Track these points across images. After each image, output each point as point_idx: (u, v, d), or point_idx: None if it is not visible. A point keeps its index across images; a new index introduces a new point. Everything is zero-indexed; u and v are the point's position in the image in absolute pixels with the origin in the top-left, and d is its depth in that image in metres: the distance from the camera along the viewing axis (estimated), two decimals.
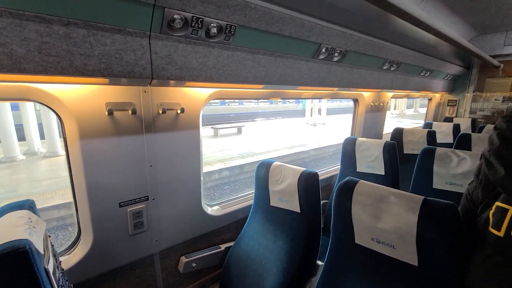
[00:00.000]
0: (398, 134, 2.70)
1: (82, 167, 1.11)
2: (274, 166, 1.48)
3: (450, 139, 3.17)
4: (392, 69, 2.42)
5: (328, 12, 1.37)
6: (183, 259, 1.52)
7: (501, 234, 0.65)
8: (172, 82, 1.15)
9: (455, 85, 4.19)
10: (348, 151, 2.18)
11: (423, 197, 0.86)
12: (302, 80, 1.67)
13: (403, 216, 0.86)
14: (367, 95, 2.76)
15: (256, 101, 23.50)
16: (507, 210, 0.65)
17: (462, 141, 2.39)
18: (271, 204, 1.48)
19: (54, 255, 0.83)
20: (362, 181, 1.02)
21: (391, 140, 2.63)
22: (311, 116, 17.27)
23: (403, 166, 2.30)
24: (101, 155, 1.15)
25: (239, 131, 13.81)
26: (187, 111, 1.37)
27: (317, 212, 1.32)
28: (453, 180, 1.62)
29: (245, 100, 22.41)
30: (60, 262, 0.87)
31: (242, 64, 1.29)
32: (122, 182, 1.23)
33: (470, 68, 3.97)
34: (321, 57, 1.65)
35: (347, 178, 1.06)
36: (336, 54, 1.72)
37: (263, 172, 1.51)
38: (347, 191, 1.02)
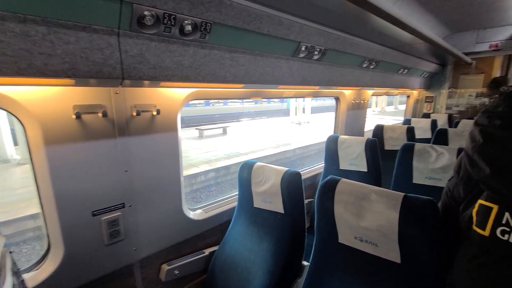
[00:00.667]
0: (379, 130, 2.76)
1: (48, 175, 1.03)
2: (256, 167, 1.45)
3: (428, 135, 3.27)
4: (372, 67, 2.46)
5: (306, 10, 1.36)
6: (165, 267, 1.46)
7: (486, 233, 0.64)
8: (146, 82, 1.10)
9: (432, 82, 4.34)
10: (331, 149, 2.19)
11: (404, 193, 0.86)
12: (283, 79, 1.66)
13: (385, 214, 0.86)
14: (348, 93, 2.79)
15: (240, 101, 23.44)
16: (491, 208, 0.63)
17: (439, 136, 2.47)
18: (254, 206, 1.45)
19: (16, 273, 0.76)
20: (343, 179, 1.01)
21: (372, 137, 2.68)
22: (295, 115, 17.43)
23: (385, 162, 2.34)
24: (70, 162, 1.08)
25: (225, 131, 13.71)
26: (164, 113, 1.31)
27: (301, 212, 1.31)
28: (432, 175, 1.65)
29: (230, 100, 22.29)
30: (23, 280, 0.80)
31: (220, 63, 1.25)
32: (95, 190, 1.16)
33: (445, 66, 4.12)
34: (301, 55, 1.64)
35: (328, 177, 1.05)
36: (316, 53, 1.72)
37: (245, 173, 1.48)
38: (329, 190, 1.01)
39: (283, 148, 10.24)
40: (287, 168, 1.35)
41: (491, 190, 0.63)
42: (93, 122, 1.11)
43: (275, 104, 26.69)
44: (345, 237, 0.99)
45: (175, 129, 1.37)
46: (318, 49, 1.71)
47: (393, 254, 0.87)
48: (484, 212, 0.65)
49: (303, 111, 17.54)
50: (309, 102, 18.12)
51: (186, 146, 11.10)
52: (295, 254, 1.31)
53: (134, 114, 1.20)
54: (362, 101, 3.03)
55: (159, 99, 1.28)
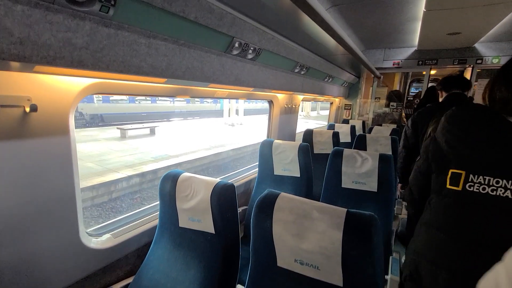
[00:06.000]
0: (308, 135, 2.85)
1: None
2: (182, 179, 1.21)
3: (349, 139, 3.60)
4: (302, 72, 2.51)
5: (240, 1, 1.21)
6: None
7: (459, 188, 0.89)
8: (12, 64, 0.74)
9: (350, 91, 4.86)
10: (265, 154, 2.11)
11: (346, 209, 0.79)
12: (214, 76, 1.46)
13: (328, 234, 0.77)
14: (281, 97, 2.80)
15: (171, 99, 22.02)
16: (461, 174, 0.89)
17: (359, 141, 2.70)
18: (180, 225, 1.21)
19: None
20: (282, 194, 0.89)
21: (303, 141, 2.75)
22: (229, 116, 17.40)
23: (315, 166, 2.41)
24: None
25: (153, 132, 12.58)
26: (46, 110, 0.94)
27: (234, 231, 1.14)
28: (358, 179, 1.73)
29: (159, 98, 20.69)
30: None
31: (132, 49, 0.97)
32: None
33: (360, 78, 4.66)
34: (235, 52, 1.49)
35: (266, 192, 0.91)
36: (250, 51, 1.60)
37: (168, 186, 1.23)
38: (267, 207, 0.87)
39: (216, 150, 10.00)
40: (218, 180, 1.16)
41: (460, 158, 0.90)
42: None
43: (208, 104, 26.12)
44: (284, 261, 0.86)
45: (65, 132, 1.01)
46: (253, 48, 1.59)
47: (335, 277, 0.79)
48: (456, 176, 0.91)
49: (237, 113, 17.66)
50: (242, 104, 18.38)
51: (104, 148, 9.66)
52: (228, 280, 1.13)
53: None
54: (293, 106, 3.09)
55: (36, 89, 0.91)
